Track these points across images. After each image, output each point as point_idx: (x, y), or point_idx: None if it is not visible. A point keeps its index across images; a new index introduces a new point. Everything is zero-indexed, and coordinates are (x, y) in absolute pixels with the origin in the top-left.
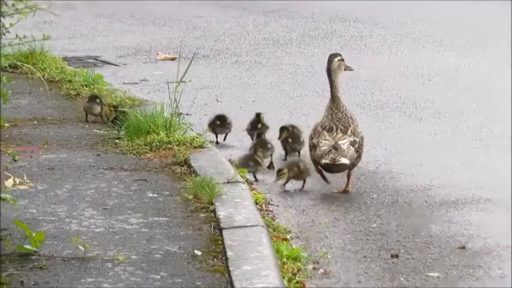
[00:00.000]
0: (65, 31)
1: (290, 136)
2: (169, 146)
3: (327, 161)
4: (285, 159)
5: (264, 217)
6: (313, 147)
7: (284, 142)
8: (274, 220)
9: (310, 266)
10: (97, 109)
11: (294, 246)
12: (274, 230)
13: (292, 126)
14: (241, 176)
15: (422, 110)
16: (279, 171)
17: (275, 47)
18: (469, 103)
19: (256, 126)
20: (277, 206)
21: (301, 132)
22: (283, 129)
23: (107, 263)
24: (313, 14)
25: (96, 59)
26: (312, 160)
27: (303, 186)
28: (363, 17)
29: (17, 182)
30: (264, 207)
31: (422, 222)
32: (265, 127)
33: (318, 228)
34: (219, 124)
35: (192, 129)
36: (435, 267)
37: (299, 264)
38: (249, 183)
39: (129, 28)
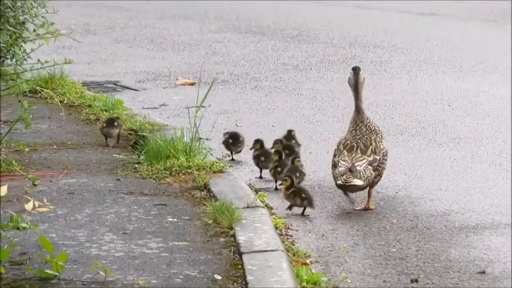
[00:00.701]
0: (85, 56)
1: (262, 154)
2: (189, 170)
3: (339, 182)
4: (260, 177)
5: (283, 242)
6: (333, 165)
7: (256, 159)
8: (293, 245)
9: None
10: (115, 131)
11: (313, 271)
12: (294, 255)
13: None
14: (260, 200)
15: (441, 135)
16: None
17: (294, 72)
18: (489, 128)
19: (290, 142)
20: (297, 230)
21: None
22: (257, 141)
23: (127, 287)
24: (332, 39)
25: (115, 84)
26: (333, 178)
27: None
28: (382, 42)
29: (37, 205)
30: (284, 232)
31: (441, 247)
32: (297, 144)
33: (337, 252)
34: (232, 142)
35: (211, 154)
36: None
37: None
38: (269, 208)
39: (148, 53)
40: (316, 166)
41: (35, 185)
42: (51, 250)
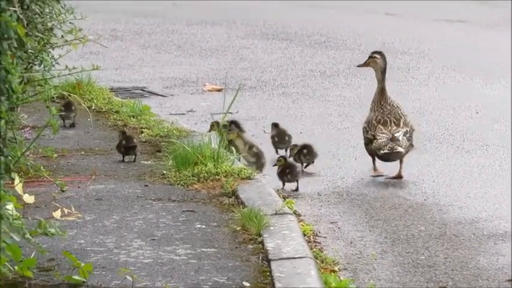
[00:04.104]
0: (112, 62)
1: (304, 147)
2: (217, 177)
3: (385, 151)
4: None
5: (312, 249)
6: (369, 141)
7: (298, 154)
8: (322, 252)
9: None
10: (72, 115)
11: (342, 278)
12: (322, 262)
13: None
14: (289, 207)
15: (469, 142)
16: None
17: (322, 78)
18: None
19: None
20: (325, 237)
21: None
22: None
23: None
24: (359, 45)
25: (143, 90)
26: (368, 152)
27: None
28: (410, 49)
29: (66, 212)
30: (312, 239)
31: (470, 255)
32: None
33: (365, 260)
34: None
35: (239, 161)
36: None
37: None
38: (297, 214)
39: (175, 59)
40: (344, 173)
41: (63, 191)
42: (76, 261)
